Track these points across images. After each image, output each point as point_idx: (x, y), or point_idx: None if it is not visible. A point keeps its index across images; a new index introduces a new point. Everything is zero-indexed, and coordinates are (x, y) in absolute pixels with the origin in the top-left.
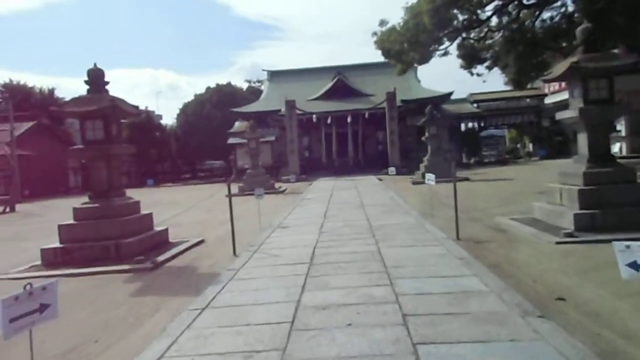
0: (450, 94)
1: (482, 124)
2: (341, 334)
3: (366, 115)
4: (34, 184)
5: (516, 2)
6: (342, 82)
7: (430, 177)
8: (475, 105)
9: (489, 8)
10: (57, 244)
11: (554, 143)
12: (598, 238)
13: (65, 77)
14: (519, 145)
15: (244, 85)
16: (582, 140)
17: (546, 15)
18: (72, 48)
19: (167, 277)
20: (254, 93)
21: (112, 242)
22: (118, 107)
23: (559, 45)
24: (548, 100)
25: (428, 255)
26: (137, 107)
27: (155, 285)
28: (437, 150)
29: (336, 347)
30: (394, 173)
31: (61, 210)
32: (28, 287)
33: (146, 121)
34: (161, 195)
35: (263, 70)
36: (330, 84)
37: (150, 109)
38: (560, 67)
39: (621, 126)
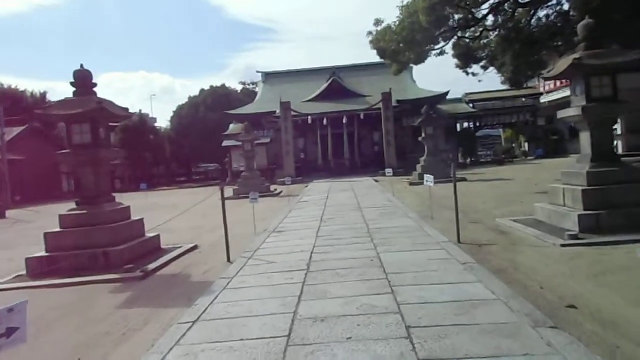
0: (446, 93)
1: (478, 124)
2: (341, 349)
3: (362, 116)
4: (26, 189)
5: (511, 1)
6: (337, 82)
7: (428, 178)
8: (470, 104)
9: (485, 6)
10: (43, 253)
11: (550, 142)
12: (604, 240)
13: (57, 81)
14: (514, 145)
15: (239, 87)
16: (585, 139)
17: (542, 13)
18: (64, 51)
19: (157, 287)
20: (248, 95)
21: (101, 250)
22: (106, 110)
23: (555, 43)
24: (543, 99)
25: (429, 260)
26: (127, 109)
27: (144, 296)
28: (434, 151)
29: None
30: (391, 174)
31: (52, 216)
32: None
33: (140, 124)
34: (154, 200)
35: (257, 71)
36: (325, 85)
37: (144, 112)
38: (561, 64)
39: (617, 124)
